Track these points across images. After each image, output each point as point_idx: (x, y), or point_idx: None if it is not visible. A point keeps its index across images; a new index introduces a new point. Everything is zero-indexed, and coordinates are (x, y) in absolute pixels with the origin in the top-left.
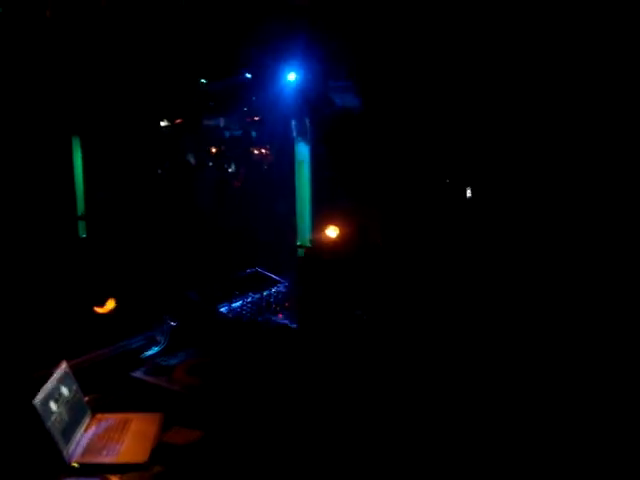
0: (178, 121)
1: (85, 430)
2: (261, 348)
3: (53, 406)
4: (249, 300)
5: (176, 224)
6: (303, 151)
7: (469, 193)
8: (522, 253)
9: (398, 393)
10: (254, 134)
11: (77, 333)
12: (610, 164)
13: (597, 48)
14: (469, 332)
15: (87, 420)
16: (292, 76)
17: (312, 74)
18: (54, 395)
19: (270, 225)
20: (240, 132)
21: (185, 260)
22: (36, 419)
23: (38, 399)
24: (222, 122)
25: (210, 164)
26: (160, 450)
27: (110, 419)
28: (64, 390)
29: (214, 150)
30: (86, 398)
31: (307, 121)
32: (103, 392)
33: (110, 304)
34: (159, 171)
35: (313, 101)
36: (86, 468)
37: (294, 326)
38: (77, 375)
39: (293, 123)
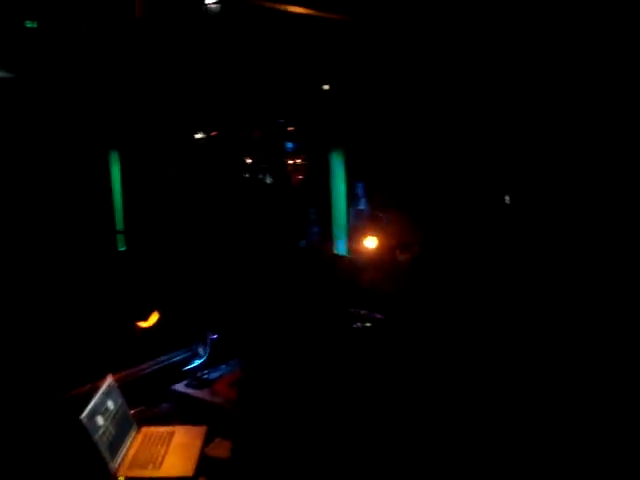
0: (213, 133)
1: (131, 443)
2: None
3: (100, 420)
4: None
5: (214, 235)
6: (338, 161)
7: (508, 200)
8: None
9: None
10: (289, 145)
11: (121, 347)
12: None
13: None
14: (510, 344)
15: (132, 433)
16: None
17: None
18: (100, 409)
19: (306, 233)
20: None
21: (226, 271)
22: (83, 433)
23: (85, 414)
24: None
25: (246, 175)
26: (205, 463)
27: (155, 432)
28: (110, 404)
29: (249, 161)
30: (131, 411)
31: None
32: (147, 405)
33: (153, 318)
34: (195, 182)
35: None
36: None
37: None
38: (122, 389)
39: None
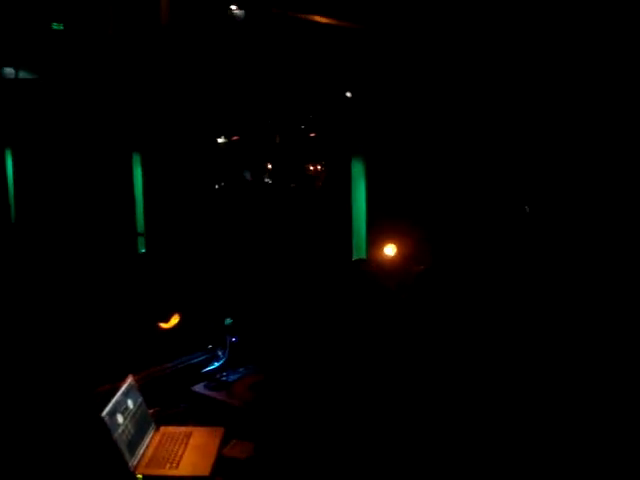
0: (235, 138)
1: (149, 442)
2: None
3: (120, 419)
4: None
5: (233, 239)
6: (359, 167)
7: (527, 209)
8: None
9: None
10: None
11: (142, 348)
12: None
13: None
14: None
15: (151, 432)
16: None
17: None
18: (121, 408)
19: (326, 240)
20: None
21: (245, 274)
22: (104, 431)
23: (106, 412)
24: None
25: (267, 180)
26: (221, 464)
27: (173, 432)
28: (130, 403)
29: (270, 166)
30: (150, 411)
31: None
32: (166, 405)
33: (174, 319)
34: (217, 186)
35: None
36: (150, 479)
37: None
38: (142, 389)
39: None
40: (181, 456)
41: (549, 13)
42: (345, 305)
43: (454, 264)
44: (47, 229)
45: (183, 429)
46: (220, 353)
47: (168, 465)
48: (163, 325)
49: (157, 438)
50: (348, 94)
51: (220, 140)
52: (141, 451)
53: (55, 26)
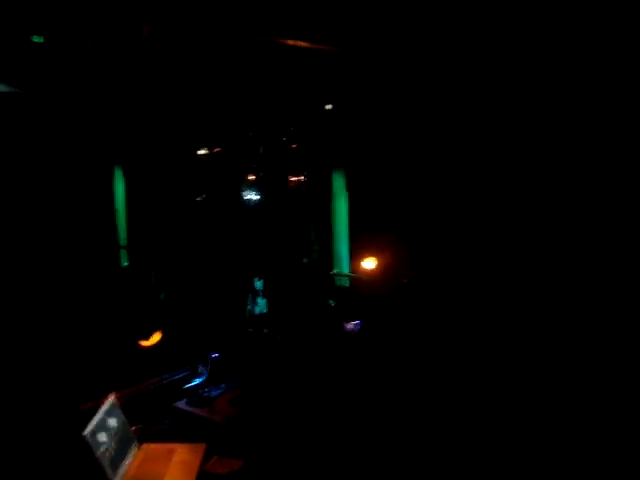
0: (216, 150)
1: (132, 460)
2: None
3: (102, 437)
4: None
5: (216, 253)
6: (340, 179)
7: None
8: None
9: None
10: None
11: (124, 365)
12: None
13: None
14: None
15: (134, 450)
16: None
17: None
18: (103, 426)
19: (305, 253)
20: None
21: (226, 289)
22: (86, 450)
23: (88, 430)
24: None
25: (248, 191)
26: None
27: (155, 449)
28: (112, 421)
29: (252, 177)
30: (133, 428)
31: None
32: (148, 422)
33: (155, 337)
34: (198, 199)
35: None
36: None
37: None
38: (124, 406)
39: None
40: (164, 473)
41: (519, 28)
42: (325, 318)
43: (436, 275)
44: (27, 244)
45: (165, 446)
46: (202, 369)
47: None
48: (144, 343)
49: (140, 455)
50: (328, 107)
51: (202, 152)
52: (124, 469)
53: (36, 39)
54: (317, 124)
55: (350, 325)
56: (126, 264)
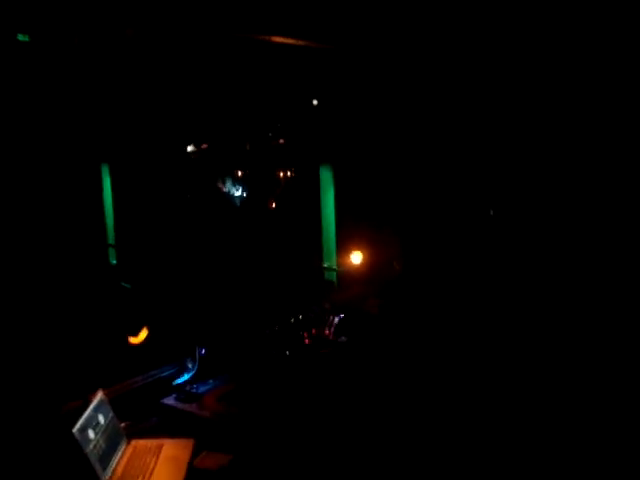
0: (204, 146)
1: (121, 456)
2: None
3: (91, 434)
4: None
5: (205, 248)
6: (327, 174)
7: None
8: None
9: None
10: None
11: (112, 361)
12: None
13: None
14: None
15: (123, 446)
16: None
17: None
18: (92, 423)
19: (296, 246)
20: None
21: (214, 285)
22: (75, 447)
23: (77, 428)
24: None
25: (237, 187)
26: (192, 475)
27: (144, 445)
28: (101, 418)
29: (240, 173)
30: (122, 425)
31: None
32: (137, 419)
33: (143, 333)
34: (188, 196)
35: None
36: None
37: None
38: (112, 403)
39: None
40: (153, 469)
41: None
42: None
43: (425, 268)
44: (13, 242)
45: (154, 442)
46: (190, 365)
47: (140, 478)
48: (133, 339)
49: (129, 452)
50: (315, 102)
51: (189, 149)
52: (113, 465)
53: (21, 37)
54: (304, 119)
55: (336, 319)
56: (114, 262)
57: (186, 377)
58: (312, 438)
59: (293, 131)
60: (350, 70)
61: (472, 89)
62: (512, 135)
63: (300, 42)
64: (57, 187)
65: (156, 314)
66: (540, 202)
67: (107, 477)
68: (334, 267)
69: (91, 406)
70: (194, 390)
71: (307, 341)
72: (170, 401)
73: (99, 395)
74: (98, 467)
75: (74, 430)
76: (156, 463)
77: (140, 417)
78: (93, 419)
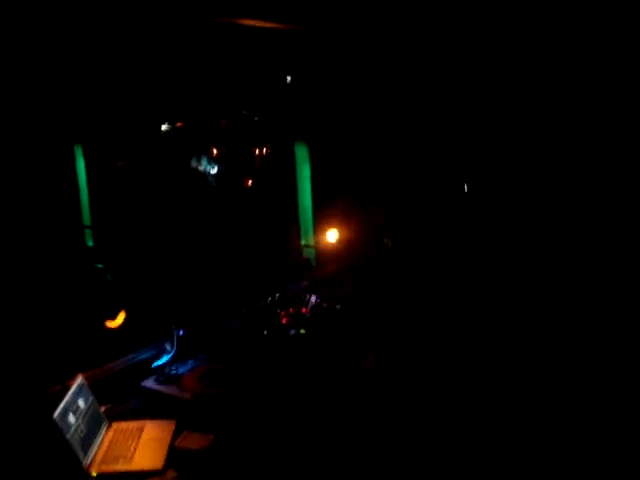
0: (179, 124)
1: (102, 439)
2: (268, 356)
3: (72, 418)
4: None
5: (181, 228)
6: (303, 150)
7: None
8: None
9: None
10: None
11: (90, 345)
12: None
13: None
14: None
15: (104, 430)
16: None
17: None
18: (72, 408)
19: (273, 225)
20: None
21: (192, 265)
22: (56, 432)
23: (57, 413)
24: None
25: (212, 165)
26: (174, 456)
27: (125, 427)
28: (81, 402)
29: (215, 151)
30: (102, 408)
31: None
32: (117, 402)
33: (121, 317)
34: (163, 176)
35: None
36: (104, 477)
37: (293, 332)
38: (92, 386)
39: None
40: (134, 451)
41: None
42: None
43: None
44: None
45: (135, 423)
46: (168, 347)
47: (122, 460)
48: (110, 323)
49: (110, 434)
50: (288, 78)
51: (164, 127)
52: (94, 449)
53: None
54: (278, 96)
55: (313, 297)
56: (91, 244)
57: (165, 359)
58: (291, 417)
59: (268, 108)
60: (324, 47)
61: (446, 65)
62: (486, 111)
63: (271, 25)
64: (29, 170)
65: (133, 296)
66: (514, 177)
67: (88, 461)
68: (312, 245)
69: (71, 391)
70: (173, 372)
71: (284, 320)
72: (150, 384)
73: (78, 379)
74: (79, 451)
75: (55, 415)
76: (137, 445)
77: (121, 400)
78: (73, 404)
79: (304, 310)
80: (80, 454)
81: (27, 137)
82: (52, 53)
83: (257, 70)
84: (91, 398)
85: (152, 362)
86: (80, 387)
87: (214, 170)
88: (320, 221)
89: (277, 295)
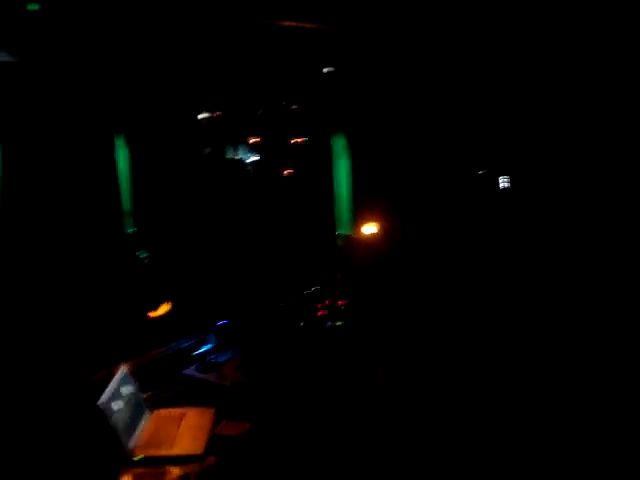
0: (217, 114)
1: (145, 425)
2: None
3: (115, 405)
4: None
5: (221, 218)
6: (341, 142)
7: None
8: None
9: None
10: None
11: (134, 334)
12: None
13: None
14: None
15: (146, 416)
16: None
17: None
18: (116, 395)
19: (309, 215)
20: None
21: (233, 256)
22: (101, 418)
23: (102, 400)
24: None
25: (249, 155)
26: (214, 442)
27: (167, 414)
28: (124, 389)
29: (252, 141)
30: (144, 395)
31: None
32: (160, 389)
33: (163, 308)
34: (204, 164)
35: None
36: (147, 461)
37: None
38: (135, 374)
39: None
40: (175, 436)
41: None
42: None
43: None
44: (33, 215)
45: (176, 411)
46: (210, 336)
47: (164, 445)
48: (152, 314)
49: (152, 421)
50: (325, 70)
51: (202, 116)
52: (137, 434)
53: (30, 7)
54: (317, 87)
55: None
56: (130, 230)
57: (206, 348)
58: (325, 408)
59: (307, 99)
60: (361, 43)
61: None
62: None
63: (307, 25)
64: (71, 159)
65: (177, 286)
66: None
67: (132, 445)
68: (347, 236)
69: (115, 378)
70: (213, 360)
71: (320, 312)
72: (191, 372)
73: (122, 368)
74: (123, 437)
75: (99, 403)
76: (179, 431)
77: (162, 387)
78: (117, 391)
79: (340, 302)
80: (124, 439)
81: (75, 129)
82: (98, 50)
83: (296, 62)
84: (134, 385)
85: (193, 351)
86: (124, 375)
87: (251, 159)
88: (356, 214)
89: (313, 288)
